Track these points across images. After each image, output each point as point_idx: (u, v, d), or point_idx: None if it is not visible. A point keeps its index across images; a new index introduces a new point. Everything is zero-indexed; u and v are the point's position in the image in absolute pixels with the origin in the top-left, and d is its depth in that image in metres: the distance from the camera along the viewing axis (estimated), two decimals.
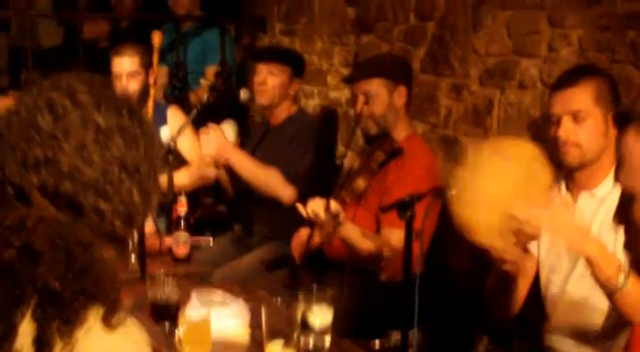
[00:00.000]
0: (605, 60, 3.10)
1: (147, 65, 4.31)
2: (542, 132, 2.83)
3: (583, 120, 2.58)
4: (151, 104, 4.26)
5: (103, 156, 1.27)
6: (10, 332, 1.15)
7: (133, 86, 4.22)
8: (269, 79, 4.04)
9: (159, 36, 4.50)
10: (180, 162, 4.08)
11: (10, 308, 1.15)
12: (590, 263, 2.19)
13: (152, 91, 4.30)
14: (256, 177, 3.90)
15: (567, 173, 2.69)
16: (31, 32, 5.73)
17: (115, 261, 1.33)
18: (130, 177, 1.29)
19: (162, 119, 4.29)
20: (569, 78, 2.70)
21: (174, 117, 4.32)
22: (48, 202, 1.25)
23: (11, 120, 1.28)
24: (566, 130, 2.61)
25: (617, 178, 1.91)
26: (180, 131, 3.83)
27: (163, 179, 3.73)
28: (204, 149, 3.90)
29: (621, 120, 1.47)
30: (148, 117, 1.38)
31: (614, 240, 2.46)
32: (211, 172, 4.21)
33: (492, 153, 2.35)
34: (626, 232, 1.45)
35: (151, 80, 4.31)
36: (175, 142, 3.76)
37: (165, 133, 4.17)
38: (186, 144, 4.13)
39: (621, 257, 2.23)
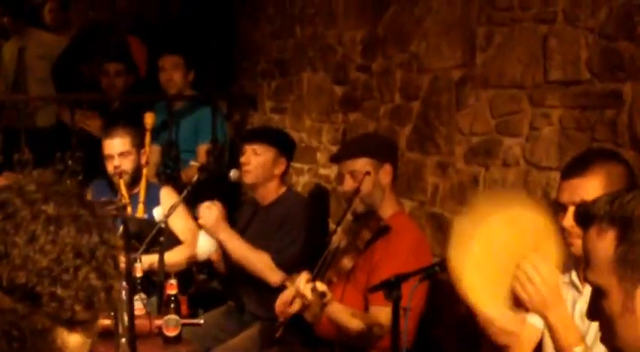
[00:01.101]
0: (585, 139, 3.16)
1: (138, 145, 4.38)
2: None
3: None
4: (143, 184, 4.31)
5: (55, 244, 1.30)
6: None
7: (125, 166, 4.29)
8: (252, 159, 4.10)
9: (151, 117, 4.58)
10: (171, 241, 4.11)
11: None
12: (550, 329, 2.16)
13: (145, 171, 4.36)
14: (245, 258, 3.95)
15: (577, 259, 2.58)
16: (26, 112, 5.82)
17: (80, 348, 1.35)
18: (86, 262, 1.31)
19: (155, 199, 4.34)
20: (577, 166, 2.60)
21: (167, 197, 4.37)
22: (3, 294, 1.27)
23: None
24: (571, 221, 2.49)
25: (584, 277, 1.90)
26: (171, 210, 3.88)
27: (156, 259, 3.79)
28: (201, 220, 3.92)
29: (582, 218, 1.50)
30: (102, 209, 1.42)
31: None
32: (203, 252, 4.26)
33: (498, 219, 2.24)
34: (601, 327, 1.47)
35: (143, 160, 4.38)
36: (167, 222, 3.81)
37: (157, 213, 4.22)
38: (178, 223, 4.17)
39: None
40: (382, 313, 3.22)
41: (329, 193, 5.04)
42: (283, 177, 4.25)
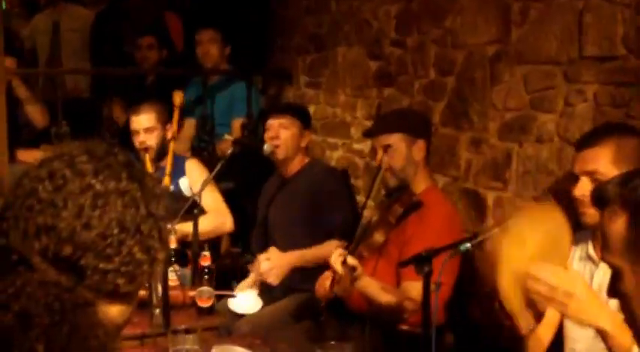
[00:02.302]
0: (620, 115, 3.14)
1: (164, 121, 4.47)
2: (566, 189, 2.84)
3: (597, 181, 2.56)
4: (169, 158, 4.36)
5: (101, 220, 1.32)
6: None
7: (150, 141, 4.39)
8: (282, 133, 4.14)
9: (180, 96, 4.63)
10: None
11: None
12: (605, 337, 2.04)
13: (172, 145, 4.42)
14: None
15: (593, 231, 2.66)
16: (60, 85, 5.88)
17: (117, 322, 1.38)
18: (130, 237, 1.34)
19: (181, 171, 4.44)
20: (590, 137, 2.71)
21: (193, 168, 4.48)
22: (49, 266, 1.29)
23: (17, 191, 1.34)
24: (582, 190, 2.60)
25: (602, 257, 1.88)
26: (203, 186, 3.92)
27: (186, 230, 3.84)
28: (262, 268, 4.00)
29: (596, 200, 1.50)
30: (152, 180, 1.44)
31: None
32: (229, 222, 4.36)
33: (522, 220, 2.27)
34: (620, 305, 1.47)
35: (169, 135, 4.46)
36: (200, 197, 3.86)
37: (184, 184, 4.33)
38: (207, 197, 4.21)
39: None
40: (413, 288, 3.22)
41: (361, 168, 5.06)
42: (306, 150, 4.31)
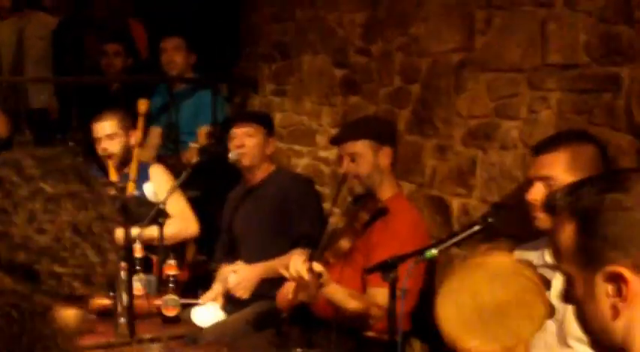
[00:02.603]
0: (583, 122, 3.17)
1: (127, 127, 4.46)
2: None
3: (551, 187, 2.61)
4: (134, 165, 4.37)
5: (54, 223, 1.31)
6: None
7: (112, 148, 4.38)
8: (247, 141, 4.13)
9: (144, 104, 4.65)
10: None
11: None
12: None
13: (136, 152, 4.42)
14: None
15: (550, 237, 2.68)
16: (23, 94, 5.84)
17: (75, 327, 1.36)
18: (83, 239, 1.33)
19: (145, 177, 4.45)
20: (547, 143, 2.76)
21: (158, 173, 4.50)
22: (4, 274, 1.28)
23: None
24: (535, 195, 2.67)
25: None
26: (169, 194, 3.91)
27: (150, 234, 3.84)
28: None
29: (548, 208, 1.55)
30: (99, 182, 1.43)
31: None
32: (194, 226, 4.37)
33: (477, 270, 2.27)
34: (573, 310, 1.50)
35: (133, 141, 4.45)
36: (165, 204, 3.84)
37: (148, 189, 4.32)
38: (172, 202, 4.18)
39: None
40: (379, 294, 3.24)
41: (327, 176, 5.06)
42: (271, 158, 4.31)
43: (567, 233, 1.45)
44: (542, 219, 2.63)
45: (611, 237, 1.39)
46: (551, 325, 2.66)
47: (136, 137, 4.48)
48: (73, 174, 1.36)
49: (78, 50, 6.37)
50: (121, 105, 4.78)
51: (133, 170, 4.35)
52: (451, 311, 2.29)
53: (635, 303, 1.38)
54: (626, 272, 1.37)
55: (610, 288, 1.39)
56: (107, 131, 4.42)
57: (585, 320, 1.46)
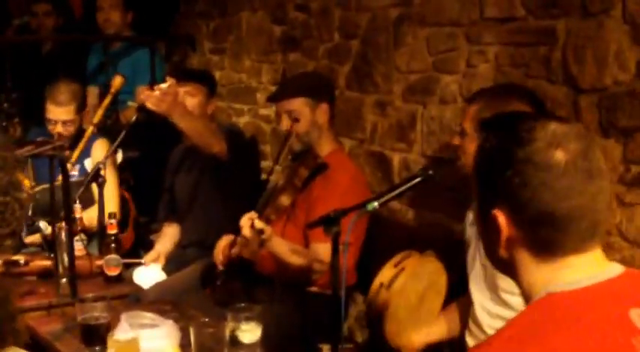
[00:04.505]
0: (520, 75, 3.21)
1: (81, 109, 4.31)
2: None
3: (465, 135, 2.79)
4: (83, 142, 4.21)
5: None
6: None
7: (67, 131, 4.24)
8: (187, 100, 4.06)
9: (120, 80, 4.45)
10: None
11: None
12: None
13: (89, 130, 4.27)
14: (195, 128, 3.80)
15: None
16: None
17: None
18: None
19: (87, 152, 4.31)
20: (477, 94, 2.92)
21: (97, 148, 4.30)
22: None
23: None
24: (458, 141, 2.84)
25: None
26: (107, 155, 3.87)
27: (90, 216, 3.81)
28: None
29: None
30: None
31: None
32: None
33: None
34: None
35: (85, 120, 4.33)
36: (105, 165, 3.78)
37: (88, 164, 4.21)
38: (108, 189, 4.07)
39: None
40: (322, 249, 3.26)
41: (267, 133, 5.05)
42: (212, 117, 4.27)
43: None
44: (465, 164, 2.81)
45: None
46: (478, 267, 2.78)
47: (98, 116, 4.33)
48: None
49: (2, 11, 6.21)
50: (53, 66, 4.62)
51: (80, 146, 4.22)
52: (393, 327, 2.92)
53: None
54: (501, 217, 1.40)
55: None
56: (64, 117, 4.23)
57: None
